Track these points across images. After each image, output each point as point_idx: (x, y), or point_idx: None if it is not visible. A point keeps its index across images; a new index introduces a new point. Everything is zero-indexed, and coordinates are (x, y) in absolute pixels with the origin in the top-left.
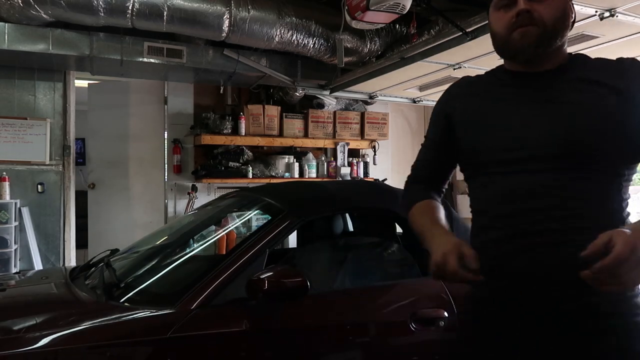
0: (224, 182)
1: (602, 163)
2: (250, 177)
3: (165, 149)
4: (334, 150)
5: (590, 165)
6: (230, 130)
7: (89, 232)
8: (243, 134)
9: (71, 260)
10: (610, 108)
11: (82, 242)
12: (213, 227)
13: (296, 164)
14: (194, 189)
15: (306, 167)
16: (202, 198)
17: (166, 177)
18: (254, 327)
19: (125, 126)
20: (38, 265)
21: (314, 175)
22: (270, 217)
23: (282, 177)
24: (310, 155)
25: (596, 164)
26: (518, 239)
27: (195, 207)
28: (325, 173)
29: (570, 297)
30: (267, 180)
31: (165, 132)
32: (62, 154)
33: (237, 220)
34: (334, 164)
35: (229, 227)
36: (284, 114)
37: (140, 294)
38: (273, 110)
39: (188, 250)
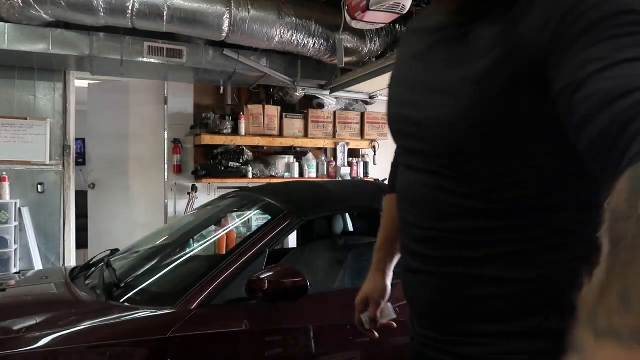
0: (224, 182)
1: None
2: (250, 177)
3: (165, 149)
4: (334, 150)
5: (465, 171)
6: (230, 130)
7: (89, 232)
8: (243, 134)
9: (71, 260)
10: (509, 84)
11: (82, 242)
12: (213, 227)
13: (296, 164)
14: (194, 189)
15: (306, 167)
16: (202, 198)
17: (166, 177)
18: (254, 327)
19: (125, 126)
20: (38, 265)
21: (314, 175)
22: (270, 217)
23: (282, 177)
24: (310, 155)
25: (476, 170)
26: (403, 255)
27: (195, 207)
28: (325, 173)
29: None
30: (267, 180)
31: (165, 132)
32: (62, 154)
33: (237, 220)
34: (334, 164)
35: (229, 227)
36: (284, 114)
37: (140, 294)
38: (273, 110)
39: (188, 250)
